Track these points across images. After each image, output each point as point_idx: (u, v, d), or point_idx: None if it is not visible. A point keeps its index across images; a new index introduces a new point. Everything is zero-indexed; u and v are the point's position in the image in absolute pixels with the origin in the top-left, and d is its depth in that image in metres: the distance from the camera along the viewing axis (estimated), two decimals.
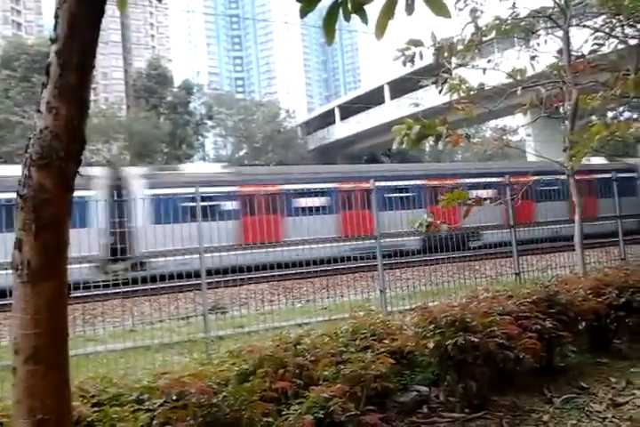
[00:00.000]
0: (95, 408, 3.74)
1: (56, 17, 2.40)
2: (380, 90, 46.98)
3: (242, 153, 56.97)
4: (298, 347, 4.92)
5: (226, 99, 60.77)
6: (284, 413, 3.82)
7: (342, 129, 51.68)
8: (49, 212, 2.36)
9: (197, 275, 8.13)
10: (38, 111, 2.42)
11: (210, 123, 55.37)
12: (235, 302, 10.33)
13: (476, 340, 4.46)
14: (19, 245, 2.36)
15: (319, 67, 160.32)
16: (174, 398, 3.54)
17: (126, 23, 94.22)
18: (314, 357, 4.64)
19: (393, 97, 44.16)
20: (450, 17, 2.41)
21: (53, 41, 2.39)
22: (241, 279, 9.42)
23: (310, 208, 17.27)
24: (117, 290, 9.73)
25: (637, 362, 5.45)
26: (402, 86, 39.20)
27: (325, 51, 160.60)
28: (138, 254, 14.51)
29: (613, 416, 4.22)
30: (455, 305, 5.04)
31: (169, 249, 9.54)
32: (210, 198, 15.32)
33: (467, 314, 4.74)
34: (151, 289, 8.94)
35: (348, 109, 49.55)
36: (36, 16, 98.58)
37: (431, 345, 4.59)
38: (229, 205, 18.44)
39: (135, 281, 8.28)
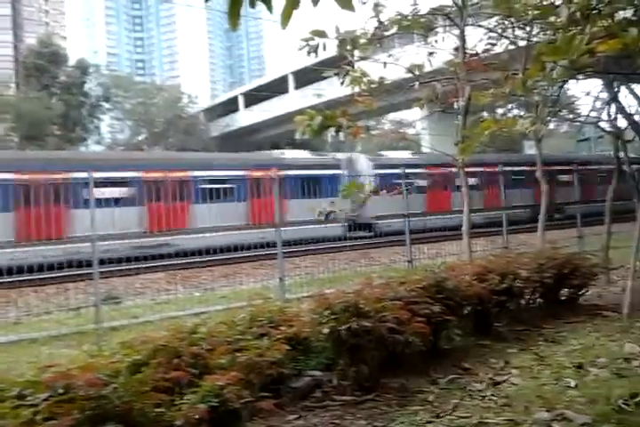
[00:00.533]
0: None
1: None
2: (284, 79, 46.93)
3: (141, 138, 55.03)
4: (194, 336, 4.86)
5: (124, 80, 58.21)
6: (177, 402, 3.77)
7: (246, 117, 51.16)
8: None
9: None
10: None
11: (106, 105, 52.87)
12: (129, 292, 10.03)
13: (368, 325, 4.62)
14: None
15: (224, 53, 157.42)
16: (60, 391, 3.40)
17: None
18: (210, 345, 4.60)
19: (298, 87, 44.25)
20: (354, 11, 2.45)
21: None
22: (137, 268, 9.20)
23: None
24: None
25: (515, 344, 5.86)
26: (307, 76, 39.36)
27: (230, 37, 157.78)
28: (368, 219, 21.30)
29: (492, 394, 4.52)
30: (350, 292, 5.18)
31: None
32: (410, 177, 18.92)
33: (360, 300, 4.89)
34: (39, 279, 8.52)
35: (253, 97, 49.10)
36: None
37: (326, 331, 4.69)
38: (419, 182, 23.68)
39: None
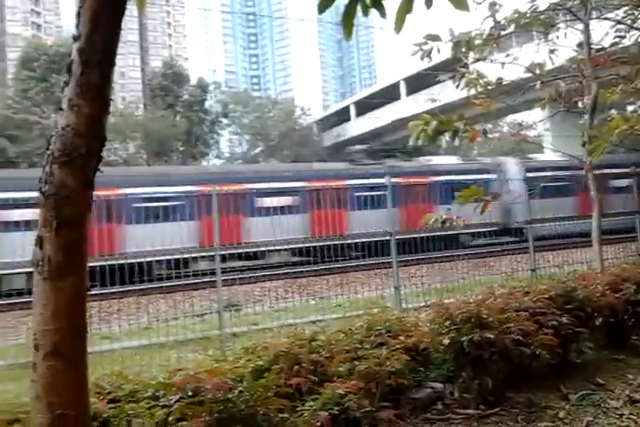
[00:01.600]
0: (111, 405, 3.78)
1: (78, 15, 2.42)
2: (395, 86, 46.82)
3: (257, 151, 57.13)
4: (313, 343, 4.93)
5: (241, 96, 60.87)
6: (298, 409, 3.83)
7: (358, 126, 51.59)
8: (70, 209, 2.38)
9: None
10: (60, 109, 2.44)
11: (225, 121, 55.57)
12: (249, 300, 10.39)
13: (492, 336, 4.44)
14: (39, 241, 2.38)
15: (335, 63, 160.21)
16: (190, 394, 3.57)
17: (144, 22, 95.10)
18: (329, 353, 4.65)
19: (409, 93, 43.99)
20: (469, 10, 2.40)
21: (75, 39, 2.41)
22: (255, 277, 9.54)
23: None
24: (133, 288, 9.84)
25: None
26: (418, 82, 39.07)
27: (341, 47, 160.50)
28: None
29: (630, 413, 4.18)
30: (471, 302, 5.02)
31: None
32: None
33: (483, 310, 4.72)
34: (166, 287, 9.06)
35: (364, 106, 49.44)
36: (54, 17, 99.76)
37: (447, 342, 4.57)
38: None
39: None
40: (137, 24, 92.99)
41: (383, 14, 2.49)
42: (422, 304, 8.18)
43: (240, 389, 3.59)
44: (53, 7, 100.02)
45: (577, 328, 5.00)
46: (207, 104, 52.88)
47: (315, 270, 10.86)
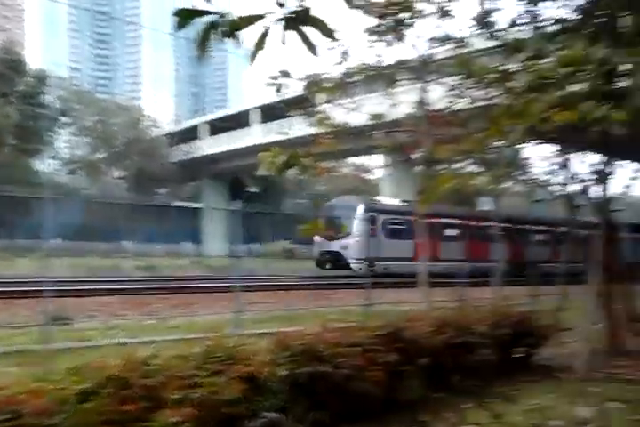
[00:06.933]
0: None
1: None
2: (249, 112, 47.17)
3: (99, 156, 53.88)
4: (147, 367, 4.71)
5: (84, 96, 56.98)
6: None
7: (208, 146, 50.91)
8: None
9: None
10: None
11: (64, 119, 51.67)
12: (81, 314, 9.67)
13: (326, 370, 4.58)
14: None
15: (189, 80, 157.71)
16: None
17: None
18: (164, 378, 4.47)
19: (263, 120, 44.53)
20: (335, 39, 2.53)
21: None
22: (88, 290, 8.96)
23: None
24: None
25: (469, 398, 5.87)
26: (272, 111, 39.81)
27: (195, 65, 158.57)
28: None
29: None
30: (310, 333, 5.14)
31: None
32: None
33: (319, 344, 4.86)
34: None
35: (216, 127, 49.11)
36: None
37: (284, 373, 4.63)
38: None
39: None
40: None
41: (238, 44, 2.52)
42: (262, 331, 8.21)
43: (65, 414, 3.30)
44: None
45: (404, 367, 5.31)
46: (45, 99, 48.81)
47: (155, 288, 10.32)
